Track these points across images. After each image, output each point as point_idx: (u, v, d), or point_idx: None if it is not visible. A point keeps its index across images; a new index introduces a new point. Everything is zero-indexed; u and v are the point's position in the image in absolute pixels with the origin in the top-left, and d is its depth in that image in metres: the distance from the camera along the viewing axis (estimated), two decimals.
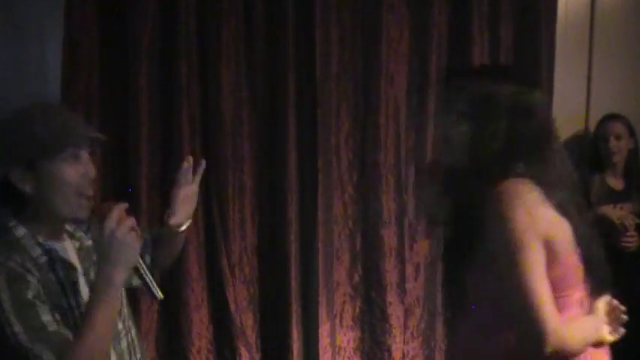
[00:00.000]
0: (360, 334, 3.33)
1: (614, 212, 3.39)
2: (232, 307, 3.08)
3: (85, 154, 1.62)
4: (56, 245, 1.62)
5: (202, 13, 2.98)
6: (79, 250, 1.69)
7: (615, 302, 1.84)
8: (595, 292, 1.80)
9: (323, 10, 3.12)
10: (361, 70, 3.25)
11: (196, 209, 2.98)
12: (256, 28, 3.08)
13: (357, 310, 3.32)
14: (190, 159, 1.95)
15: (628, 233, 3.36)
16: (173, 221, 1.91)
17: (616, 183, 3.51)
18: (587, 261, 1.75)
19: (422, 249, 3.37)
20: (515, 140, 1.74)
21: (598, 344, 1.77)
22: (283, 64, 3.09)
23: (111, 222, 1.53)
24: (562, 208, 1.72)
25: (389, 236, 3.31)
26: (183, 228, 1.95)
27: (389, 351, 3.32)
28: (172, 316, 3.02)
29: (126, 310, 1.73)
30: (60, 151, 1.57)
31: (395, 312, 3.33)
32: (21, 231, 1.57)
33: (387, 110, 3.27)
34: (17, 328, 1.46)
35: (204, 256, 3.08)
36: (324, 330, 3.21)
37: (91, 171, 1.62)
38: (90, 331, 1.49)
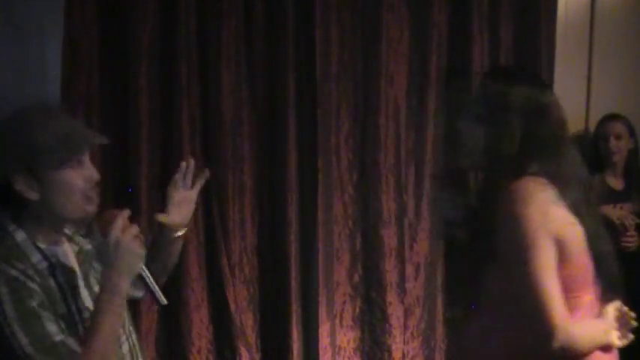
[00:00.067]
0: (360, 334, 3.33)
1: (614, 212, 3.39)
2: (232, 307, 3.08)
3: (87, 158, 1.62)
4: (56, 249, 1.61)
5: (202, 13, 2.98)
6: (78, 254, 1.68)
7: (625, 308, 1.85)
8: (605, 294, 1.81)
9: (323, 10, 3.12)
10: (361, 70, 3.25)
11: (196, 209, 2.99)
12: (256, 28, 3.08)
13: (357, 310, 3.32)
14: (191, 161, 1.92)
15: (628, 233, 3.36)
16: (162, 219, 1.85)
17: (616, 183, 3.51)
18: (598, 262, 1.76)
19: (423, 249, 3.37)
20: (529, 140, 1.75)
21: (606, 349, 1.77)
22: (283, 64, 3.09)
23: (116, 230, 1.53)
24: (575, 208, 1.74)
25: (389, 236, 3.31)
26: (179, 234, 1.88)
27: (389, 351, 3.32)
28: (172, 316, 3.02)
29: (126, 315, 1.73)
30: (66, 161, 1.56)
31: (395, 312, 3.33)
32: (20, 235, 1.55)
33: (387, 110, 3.27)
34: (23, 340, 1.44)
35: (204, 256, 3.08)
36: (324, 330, 3.21)
37: (95, 173, 1.62)
38: (96, 340, 1.49)
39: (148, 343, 2.96)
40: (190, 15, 2.95)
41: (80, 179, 1.58)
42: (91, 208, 1.62)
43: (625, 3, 3.79)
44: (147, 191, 2.92)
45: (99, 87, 2.89)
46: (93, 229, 1.70)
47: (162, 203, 1.91)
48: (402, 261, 3.33)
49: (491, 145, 1.77)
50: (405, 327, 3.36)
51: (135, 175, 2.91)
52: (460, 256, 1.94)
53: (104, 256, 1.55)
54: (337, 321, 3.27)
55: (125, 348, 1.68)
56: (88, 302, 1.61)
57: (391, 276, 3.32)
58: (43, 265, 1.55)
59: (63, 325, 1.51)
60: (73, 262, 1.64)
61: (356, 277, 3.31)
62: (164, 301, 1.64)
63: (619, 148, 3.48)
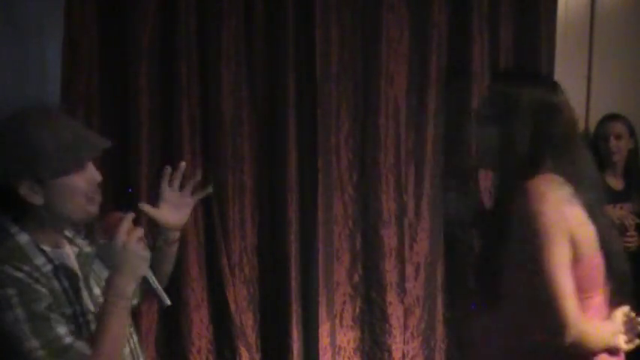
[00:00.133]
0: (360, 334, 3.33)
1: (614, 212, 3.39)
2: (232, 307, 3.08)
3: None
4: (58, 252, 1.61)
5: (202, 13, 2.98)
6: (78, 256, 1.68)
7: (633, 314, 1.86)
8: (615, 296, 1.82)
9: (323, 10, 3.12)
10: (361, 70, 3.25)
11: (196, 209, 3.03)
12: (256, 28, 3.08)
13: (357, 310, 3.32)
14: (182, 164, 1.90)
15: (628, 233, 3.36)
16: (146, 209, 1.83)
17: (616, 183, 3.51)
18: (609, 262, 1.78)
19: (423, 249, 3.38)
20: (541, 140, 1.77)
21: (613, 352, 1.78)
22: (283, 64, 3.08)
23: (122, 233, 1.54)
24: (588, 207, 1.75)
25: (389, 236, 3.30)
26: (172, 237, 1.87)
27: (389, 351, 3.32)
28: (172, 316, 3.02)
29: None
30: (71, 168, 1.56)
31: (395, 312, 3.33)
32: (24, 238, 1.55)
33: (387, 110, 3.27)
34: (34, 343, 1.45)
35: (204, 256, 3.08)
36: (324, 330, 3.21)
37: (97, 175, 1.62)
38: (104, 342, 1.50)
39: (148, 344, 2.96)
40: (190, 15, 2.95)
41: (83, 182, 1.59)
42: (94, 210, 1.62)
43: (625, 3, 3.79)
44: (147, 191, 2.92)
45: (99, 87, 2.89)
46: (93, 231, 1.70)
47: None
48: (402, 261, 3.33)
49: (504, 146, 1.79)
50: (405, 327, 3.36)
51: (135, 175, 2.91)
52: (472, 255, 1.96)
53: (110, 259, 1.55)
54: (337, 321, 3.27)
55: (126, 350, 1.69)
56: (90, 305, 1.61)
57: (391, 276, 3.32)
58: (48, 267, 1.55)
59: (72, 327, 1.52)
60: (74, 264, 1.64)
61: (356, 277, 3.31)
62: (168, 302, 1.65)
63: (619, 148, 3.48)
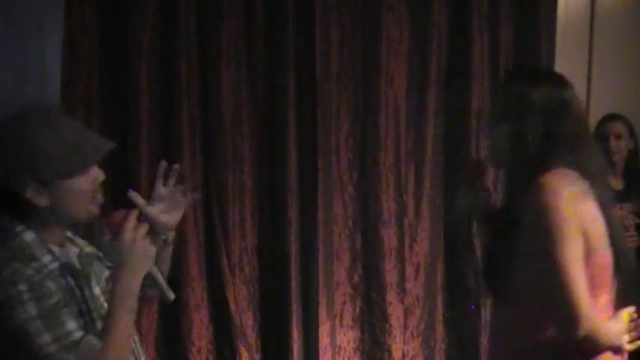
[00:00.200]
0: (360, 334, 3.33)
1: (615, 212, 3.39)
2: (232, 307, 3.08)
3: None
4: (63, 251, 1.62)
5: (202, 13, 2.98)
6: (79, 256, 1.69)
7: (636, 315, 1.87)
8: (621, 294, 1.83)
9: (323, 10, 3.12)
10: (361, 70, 3.25)
11: (196, 209, 3.04)
12: (256, 28, 3.08)
13: (357, 310, 3.32)
14: (175, 167, 1.90)
15: (628, 233, 3.36)
16: (139, 201, 1.82)
17: (616, 183, 3.51)
18: (618, 259, 1.78)
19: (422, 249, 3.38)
20: (553, 136, 1.78)
21: (617, 351, 1.79)
22: (283, 64, 3.08)
23: (129, 230, 1.56)
24: (601, 203, 1.76)
25: (389, 236, 3.31)
26: (165, 237, 1.87)
27: (389, 351, 3.32)
28: (172, 316, 3.02)
29: None
30: (77, 171, 1.58)
31: (395, 312, 3.33)
32: (29, 236, 1.56)
33: (387, 110, 3.27)
34: (46, 338, 1.46)
35: (204, 256, 3.08)
36: (324, 330, 3.21)
37: (100, 174, 1.64)
38: (113, 337, 1.51)
39: (148, 344, 2.96)
40: (190, 15, 2.95)
41: (88, 183, 1.60)
42: (95, 210, 1.64)
43: (625, 3, 3.79)
44: (147, 191, 2.90)
45: (99, 87, 2.89)
46: (93, 231, 1.71)
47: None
48: (402, 261, 3.33)
49: (516, 144, 1.79)
50: (405, 327, 3.36)
51: (135, 175, 2.91)
52: (473, 255, 1.96)
53: (116, 256, 1.57)
54: (337, 321, 3.27)
55: None
56: (92, 304, 1.62)
57: (391, 276, 3.32)
58: (54, 265, 1.56)
59: (82, 323, 1.54)
60: (76, 263, 1.65)
61: (356, 277, 3.31)
62: (173, 295, 1.68)
63: (619, 148, 3.48)
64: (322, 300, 3.19)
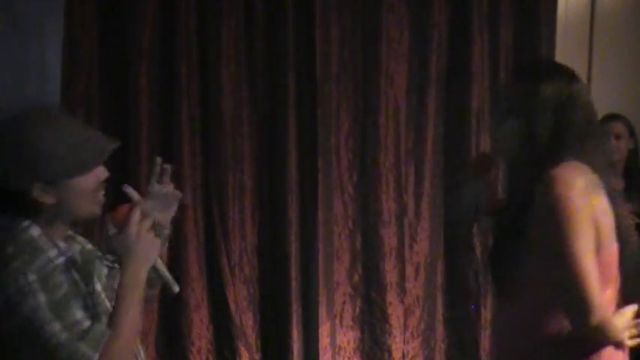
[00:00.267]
0: (360, 334, 3.33)
1: None
2: (232, 307, 3.08)
3: None
4: (68, 247, 1.64)
5: (202, 13, 2.99)
6: (81, 253, 1.70)
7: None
8: (626, 288, 1.83)
9: (323, 10, 3.13)
10: (361, 70, 3.25)
11: (196, 209, 3.04)
12: (256, 28, 3.08)
13: (357, 310, 3.32)
14: (168, 167, 1.90)
15: None
16: (134, 195, 1.81)
17: (616, 183, 3.48)
18: (624, 253, 1.79)
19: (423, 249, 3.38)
20: (563, 129, 1.78)
21: (619, 346, 1.79)
22: (283, 64, 3.09)
23: (135, 222, 1.60)
24: (610, 196, 1.76)
25: (389, 236, 3.31)
26: (159, 234, 1.85)
27: (389, 351, 3.33)
28: (172, 316, 3.02)
29: None
30: (83, 171, 1.60)
31: (395, 312, 3.33)
32: (36, 231, 1.58)
33: (387, 110, 3.27)
34: (56, 327, 1.48)
35: (204, 256, 3.08)
36: (324, 330, 3.21)
37: (103, 172, 1.67)
38: (121, 326, 1.56)
39: (148, 344, 2.96)
40: (190, 15, 2.96)
41: (93, 180, 1.63)
42: (97, 209, 1.67)
43: (625, 3, 3.79)
44: (146, 191, 2.91)
45: (99, 87, 2.89)
46: (94, 230, 1.72)
47: None
48: (402, 261, 3.33)
49: (526, 139, 1.80)
50: (405, 327, 3.36)
51: (135, 175, 2.91)
52: (498, 243, 1.96)
53: (123, 248, 1.60)
54: (337, 321, 3.27)
55: None
56: (95, 299, 1.64)
57: (391, 276, 3.32)
58: (60, 259, 1.58)
59: (89, 314, 1.56)
60: (79, 259, 1.66)
61: (356, 277, 3.31)
62: (177, 288, 1.72)
63: (619, 148, 3.48)
64: (322, 300, 3.20)
